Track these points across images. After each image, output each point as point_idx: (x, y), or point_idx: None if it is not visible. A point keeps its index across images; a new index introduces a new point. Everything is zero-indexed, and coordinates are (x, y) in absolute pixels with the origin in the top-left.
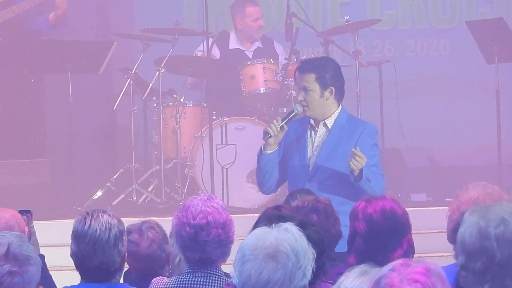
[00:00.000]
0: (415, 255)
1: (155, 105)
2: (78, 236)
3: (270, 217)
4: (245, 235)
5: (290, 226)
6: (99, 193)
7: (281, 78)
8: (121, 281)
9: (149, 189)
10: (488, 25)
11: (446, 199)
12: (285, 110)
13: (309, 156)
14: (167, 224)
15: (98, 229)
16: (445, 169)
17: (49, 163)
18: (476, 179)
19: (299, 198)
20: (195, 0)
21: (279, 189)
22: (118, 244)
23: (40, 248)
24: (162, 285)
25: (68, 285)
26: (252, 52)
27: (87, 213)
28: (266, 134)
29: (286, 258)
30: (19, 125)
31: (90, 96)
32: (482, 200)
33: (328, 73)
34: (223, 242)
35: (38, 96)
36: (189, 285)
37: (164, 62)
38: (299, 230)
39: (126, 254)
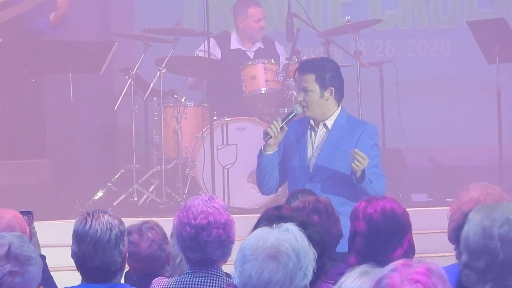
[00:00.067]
0: (416, 256)
1: (156, 105)
2: (79, 237)
3: (271, 217)
4: (246, 235)
5: (291, 227)
6: (100, 194)
7: (282, 78)
8: (122, 281)
9: (150, 190)
10: (489, 25)
11: (447, 199)
12: (286, 110)
13: (309, 157)
14: (168, 224)
15: (99, 230)
16: (446, 169)
17: (49, 163)
18: (477, 179)
19: (300, 199)
20: (196, 0)
21: (279, 190)
22: (119, 244)
23: (41, 248)
24: (163, 285)
25: (69, 286)
26: (253, 52)
27: (88, 214)
28: (266, 135)
29: (287, 259)
30: (20, 125)
31: (91, 96)
32: (483, 200)
33: (327, 73)
34: (224, 243)
35: (39, 96)
36: (190, 286)
37: (165, 62)
38: (300, 230)
39: (127, 254)
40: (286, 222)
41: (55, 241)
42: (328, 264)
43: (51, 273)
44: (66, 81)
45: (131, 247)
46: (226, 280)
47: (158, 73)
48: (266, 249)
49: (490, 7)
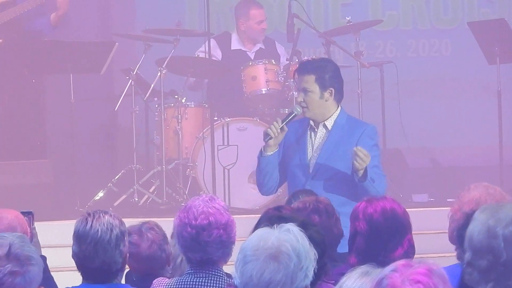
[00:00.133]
0: (416, 256)
1: (156, 105)
2: (79, 237)
3: (271, 218)
4: (247, 235)
5: (291, 227)
6: (100, 194)
7: (282, 79)
8: (123, 281)
9: (151, 190)
10: (489, 26)
11: (448, 200)
12: (286, 111)
13: (309, 157)
14: (168, 225)
15: (99, 230)
16: (447, 170)
17: (50, 164)
18: (478, 179)
19: (301, 199)
20: (196, 1)
21: (280, 190)
22: (119, 244)
23: (42, 249)
24: (163, 285)
25: (70, 286)
26: (254, 53)
27: (89, 214)
28: (266, 135)
29: (287, 259)
30: (20, 125)
31: (91, 96)
32: (484, 200)
33: (327, 74)
34: (225, 243)
35: (39, 96)
36: (190, 286)
37: (165, 62)
38: (301, 230)
39: (128, 254)
40: (286, 222)
41: (56, 242)
42: (329, 265)
43: (52, 273)
44: (66, 81)
45: (131, 247)
46: (227, 280)
47: (159, 74)
48: (267, 249)
49: (491, 7)
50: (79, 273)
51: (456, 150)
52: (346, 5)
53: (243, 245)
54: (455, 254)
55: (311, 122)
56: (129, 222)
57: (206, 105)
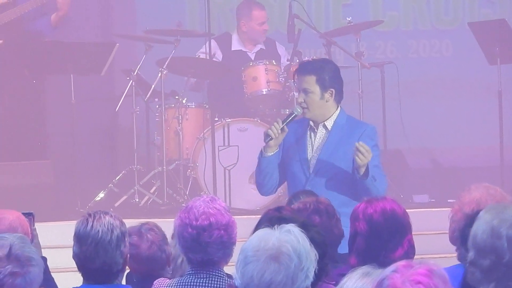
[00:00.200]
0: (417, 257)
1: (157, 106)
2: (80, 238)
3: (271, 218)
4: (248, 236)
5: (292, 228)
6: (101, 195)
7: (283, 79)
8: (123, 282)
9: (151, 191)
10: (490, 26)
11: (449, 200)
12: (287, 111)
13: (309, 158)
14: (169, 225)
15: (100, 230)
16: (448, 170)
17: (51, 164)
18: (479, 180)
19: (302, 200)
20: (197, 2)
21: (281, 191)
22: (120, 245)
23: (42, 249)
24: (164, 286)
25: (71, 287)
26: (255, 53)
27: (89, 215)
28: (267, 136)
29: (288, 260)
30: (21, 126)
31: (92, 97)
32: (484, 201)
33: (328, 75)
34: (226, 244)
35: (40, 97)
36: (191, 286)
37: (166, 63)
38: (301, 231)
39: (128, 255)
40: (287, 223)
41: (57, 242)
42: (329, 265)
43: (53, 274)
44: (67, 82)
45: (131, 248)
46: (227, 281)
47: (160, 74)
48: (267, 250)
49: (491, 8)
50: (80, 274)
51: (457, 151)
52: (346, 5)
53: (244, 246)
54: (455, 254)
55: (311, 123)
56: (129, 222)
57: (207, 106)
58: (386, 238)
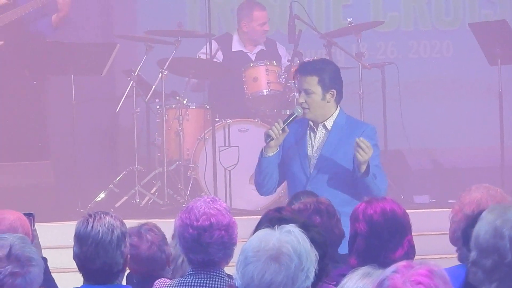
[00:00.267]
0: (417, 257)
1: (158, 107)
2: (80, 238)
3: (271, 219)
4: (248, 237)
5: (292, 228)
6: (102, 195)
7: (284, 80)
8: (124, 283)
9: (152, 191)
10: (491, 27)
11: (449, 201)
12: (288, 112)
13: (309, 158)
14: (170, 226)
15: (100, 231)
16: (448, 171)
17: (52, 165)
18: (479, 181)
19: (302, 200)
20: (197, 2)
21: (281, 191)
22: (120, 245)
23: (43, 250)
24: (165, 286)
25: (71, 287)
26: (255, 54)
27: (89, 215)
28: (267, 136)
29: (288, 260)
30: (22, 127)
31: (93, 98)
32: (485, 202)
33: (329, 75)
34: (226, 244)
35: (41, 98)
36: (192, 287)
37: (167, 64)
38: (302, 232)
39: (129, 255)
40: (287, 224)
41: (57, 243)
42: (330, 266)
43: (53, 274)
44: (68, 82)
45: (131, 249)
46: (228, 281)
47: (160, 75)
48: (268, 250)
49: (492, 8)
50: (80, 274)
51: (457, 151)
52: (347, 6)
53: (244, 246)
54: (456, 255)
55: (310, 123)
56: (130, 223)
57: (208, 107)
58: (386, 239)
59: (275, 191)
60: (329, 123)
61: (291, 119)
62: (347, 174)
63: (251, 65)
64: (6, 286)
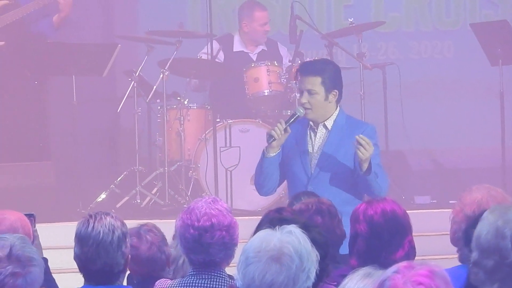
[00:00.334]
0: (418, 258)
1: (159, 107)
2: (81, 239)
3: (272, 220)
4: (249, 237)
5: (293, 229)
6: (103, 196)
7: (285, 80)
8: (124, 283)
9: (153, 192)
10: (492, 27)
11: (450, 202)
12: (289, 112)
13: (310, 158)
14: (170, 226)
15: (101, 231)
16: (449, 171)
17: (53, 165)
18: (480, 181)
19: (303, 201)
20: (199, 3)
21: (282, 192)
22: (121, 246)
23: (44, 250)
24: (166, 287)
25: None
26: (256, 54)
27: (90, 216)
28: (270, 137)
29: (289, 261)
30: (23, 127)
31: (94, 98)
32: (486, 202)
33: (332, 76)
34: (227, 245)
35: (42, 98)
36: (193, 287)
37: (168, 64)
38: (303, 232)
39: (130, 256)
40: (288, 224)
41: (58, 243)
42: (331, 266)
43: (54, 275)
44: (69, 83)
45: (131, 250)
46: (229, 282)
47: (161, 75)
48: (269, 251)
49: (493, 9)
50: (81, 275)
51: (458, 152)
52: (348, 6)
53: (245, 247)
54: (457, 256)
55: (311, 123)
56: (131, 223)
57: (209, 107)
58: (386, 239)
59: (275, 191)
60: (329, 123)
61: (293, 119)
62: (348, 173)
63: (252, 65)
64: (7, 286)
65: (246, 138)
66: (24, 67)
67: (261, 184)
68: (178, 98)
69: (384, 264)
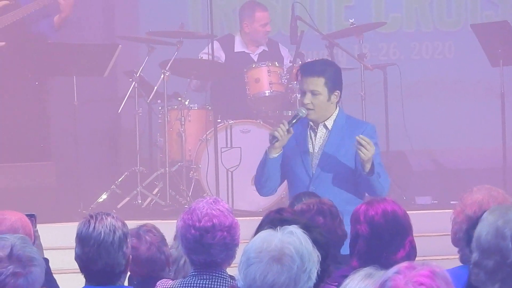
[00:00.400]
0: (419, 258)
1: (160, 108)
2: (82, 239)
3: (273, 220)
4: (250, 238)
5: (295, 229)
6: (104, 196)
7: (286, 81)
8: (126, 284)
9: (154, 192)
10: (493, 28)
11: (451, 202)
12: (290, 113)
13: (311, 158)
14: (171, 227)
15: (102, 232)
16: (450, 172)
17: (54, 166)
18: (481, 182)
19: (304, 201)
20: (199, 3)
21: (283, 192)
22: (122, 246)
23: (45, 251)
24: (167, 287)
25: None
26: (257, 55)
27: (91, 216)
28: (273, 138)
29: (291, 261)
30: (24, 128)
31: (95, 99)
32: (487, 203)
33: (333, 76)
34: (229, 245)
35: (43, 99)
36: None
37: (169, 65)
38: (304, 232)
39: (131, 256)
40: (288, 224)
41: (59, 244)
42: (332, 267)
43: (55, 275)
44: (70, 83)
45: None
46: (230, 282)
47: (162, 76)
48: (270, 251)
49: (494, 10)
50: (82, 276)
51: (459, 152)
52: (349, 7)
53: (247, 247)
54: (458, 256)
55: (311, 123)
56: (132, 224)
57: (210, 107)
58: (387, 240)
59: (275, 192)
60: (329, 123)
61: (295, 120)
62: (349, 173)
63: (253, 66)
64: (8, 286)
65: (247, 138)
66: (24, 67)
67: (262, 185)
68: (179, 98)
69: (385, 264)
